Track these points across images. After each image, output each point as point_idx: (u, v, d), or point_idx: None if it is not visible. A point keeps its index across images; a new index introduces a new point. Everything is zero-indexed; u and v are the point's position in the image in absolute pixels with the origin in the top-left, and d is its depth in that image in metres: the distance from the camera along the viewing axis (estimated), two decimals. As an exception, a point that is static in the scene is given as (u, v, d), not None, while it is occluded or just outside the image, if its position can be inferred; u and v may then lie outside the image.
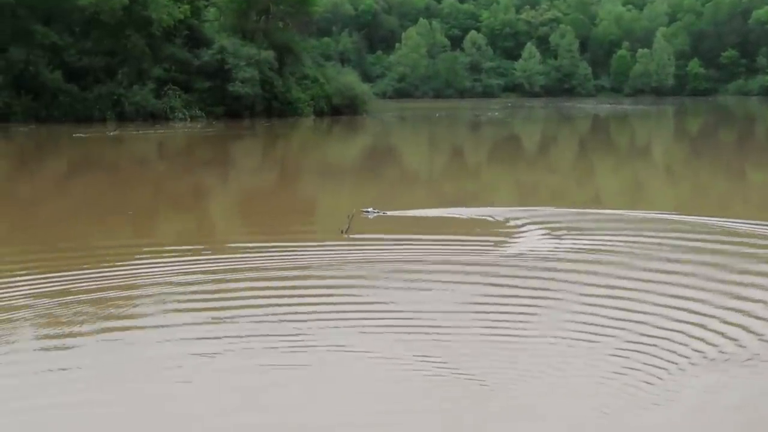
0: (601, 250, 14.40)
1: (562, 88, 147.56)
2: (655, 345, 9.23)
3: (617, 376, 8.36)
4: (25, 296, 11.39)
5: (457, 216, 18.21)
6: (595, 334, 9.71)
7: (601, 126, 68.66)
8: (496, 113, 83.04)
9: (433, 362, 8.78)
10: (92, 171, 32.10)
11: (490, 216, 18.10)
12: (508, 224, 17.15)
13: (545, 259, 13.85)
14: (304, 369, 8.71)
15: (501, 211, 18.79)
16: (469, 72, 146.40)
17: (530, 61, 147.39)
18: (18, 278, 12.47)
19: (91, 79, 58.68)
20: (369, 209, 18.21)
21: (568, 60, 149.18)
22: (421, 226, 17.33)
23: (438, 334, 9.81)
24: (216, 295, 11.80)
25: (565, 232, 16.38)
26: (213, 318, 10.60)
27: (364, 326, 10.26)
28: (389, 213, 18.20)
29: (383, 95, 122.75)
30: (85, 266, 13.18)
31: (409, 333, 9.88)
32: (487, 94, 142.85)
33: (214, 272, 13.01)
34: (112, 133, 48.39)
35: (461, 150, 44.62)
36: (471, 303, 11.17)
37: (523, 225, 17.02)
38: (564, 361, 8.81)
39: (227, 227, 19.00)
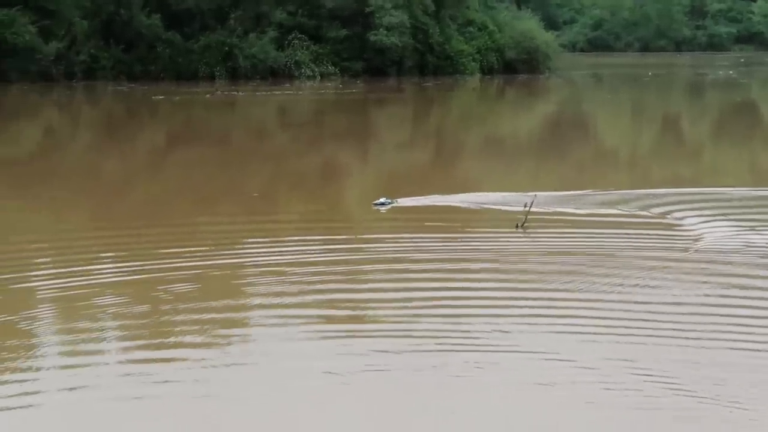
0: None
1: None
2: None
3: None
4: (107, 284, 12.41)
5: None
6: None
7: None
8: (731, 73, 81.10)
9: (657, 380, 9.07)
10: (197, 143, 33.20)
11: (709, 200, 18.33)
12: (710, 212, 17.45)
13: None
14: (484, 376, 9.26)
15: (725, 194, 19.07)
16: (690, 17, 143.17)
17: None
18: (102, 265, 13.68)
19: (197, 26, 60.42)
20: (381, 200, 18.72)
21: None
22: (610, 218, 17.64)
23: (657, 339, 10.24)
24: (353, 286, 12.71)
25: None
26: (353, 313, 11.41)
27: (549, 326, 10.81)
28: (405, 200, 18.77)
29: (573, 47, 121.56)
30: (184, 251, 14.20)
31: (621, 335, 10.35)
32: (714, 46, 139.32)
33: (350, 262, 13.86)
34: (208, 96, 49.70)
35: (676, 121, 44.02)
36: (678, 304, 11.56)
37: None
38: None
39: (365, 213, 19.55)
